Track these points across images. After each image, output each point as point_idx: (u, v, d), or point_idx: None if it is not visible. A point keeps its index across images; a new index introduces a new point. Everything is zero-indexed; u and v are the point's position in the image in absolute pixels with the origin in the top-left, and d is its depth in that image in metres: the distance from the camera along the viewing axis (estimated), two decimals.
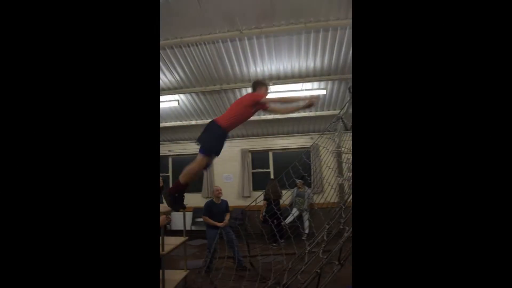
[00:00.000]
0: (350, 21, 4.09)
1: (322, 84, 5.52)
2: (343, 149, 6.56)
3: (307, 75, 5.25)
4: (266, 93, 2.86)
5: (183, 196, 2.63)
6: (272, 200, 5.56)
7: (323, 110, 6.31)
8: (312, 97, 2.77)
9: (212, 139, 2.54)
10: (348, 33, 4.37)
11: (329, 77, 5.24)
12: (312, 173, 6.50)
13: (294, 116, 6.45)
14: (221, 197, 4.55)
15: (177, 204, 2.59)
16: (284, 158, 7.26)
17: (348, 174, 6.50)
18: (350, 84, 5.18)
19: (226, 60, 4.93)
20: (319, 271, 1.29)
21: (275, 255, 4.10)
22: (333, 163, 4.54)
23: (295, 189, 6.24)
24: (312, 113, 6.36)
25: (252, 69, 5.11)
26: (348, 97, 5.15)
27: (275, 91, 5.61)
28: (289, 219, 6.01)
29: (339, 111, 5.39)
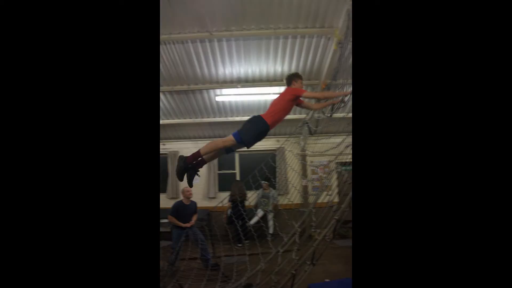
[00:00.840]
0: (318, 29, 4.28)
1: None
2: (307, 152, 6.79)
3: (274, 79, 5.37)
4: (302, 85, 2.91)
5: (197, 171, 2.53)
6: (239, 201, 5.60)
7: (289, 114, 6.46)
8: (344, 93, 2.83)
9: (252, 132, 2.53)
10: (316, 41, 4.57)
11: None
12: (277, 175, 6.64)
13: None
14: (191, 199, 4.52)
15: (182, 175, 2.47)
16: (250, 160, 7.34)
17: (311, 176, 6.74)
18: (315, 90, 5.39)
19: (195, 61, 4.91)
20: (294, 272, 1.36)
21: (239, 255, 4.15)
22: (297, 165, 4.71)
23: (261, 190, 6.34)
24: None
25: (220, 70, 5.14)
26: (313, 102, 5.35)
27: (242, 93, 5.68)
28: (254, 220, 6.09)
29: (304, 115, 5.58)
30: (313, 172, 6.84)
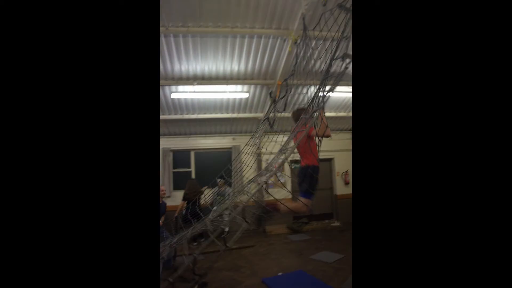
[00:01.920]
0: (274, 30, 4.40)
1: (245, 87, 5.76)
2: (263, 150, 6.93)
3: (231, 78, 5.41)
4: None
5: (266, 215, 2.67)
6: (196, 200, 5.56)
7: (245, 112, 6.56)
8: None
9: (315, 183, 2.61)
10: (272, 41, 4.68)
11: (251, 81, 5.49)
12: (232, 172, 6.69)
13: (217, 117, 6.56)
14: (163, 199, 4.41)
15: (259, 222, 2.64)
16: (206, 158, 7.30)
17: (266, 173, 6.89)
18: (271, 89, 5.53)
19: None
20: (224, 227, 1.40)
21: (202, 253, 4.13)
22: (252, 162, 4.79)
23: (216, 188, 6.34)
24: (234, 115, 6.55)
25: (176, 67, 5.04)
26: (269, 102, 5.48)
27: (199, 91, 5.63)
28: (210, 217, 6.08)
29: (261, 114, 5.69)
30: (268, 170, 7.00)
